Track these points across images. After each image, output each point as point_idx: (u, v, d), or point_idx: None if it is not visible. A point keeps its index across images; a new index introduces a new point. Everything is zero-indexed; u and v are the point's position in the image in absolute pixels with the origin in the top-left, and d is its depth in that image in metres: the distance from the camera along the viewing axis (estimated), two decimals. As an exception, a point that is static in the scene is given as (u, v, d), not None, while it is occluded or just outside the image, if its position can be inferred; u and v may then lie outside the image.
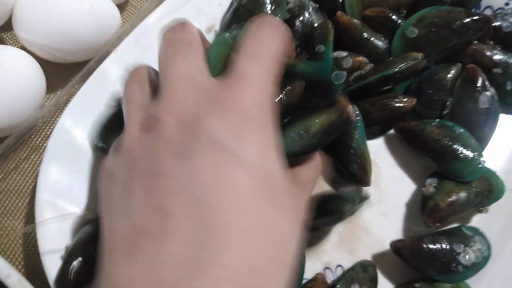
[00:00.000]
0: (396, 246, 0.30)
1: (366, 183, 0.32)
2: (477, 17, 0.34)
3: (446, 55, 0.36)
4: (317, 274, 0.32)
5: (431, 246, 0.29)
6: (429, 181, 0.33)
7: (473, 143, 0.32)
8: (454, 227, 0.32)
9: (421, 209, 0.32)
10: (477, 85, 0.33)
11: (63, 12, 0.37)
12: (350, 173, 0.32)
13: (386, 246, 0.31)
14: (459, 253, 0.29)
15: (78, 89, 0.37)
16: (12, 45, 0.42)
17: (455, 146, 0.32)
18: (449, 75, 0.35)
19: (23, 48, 0.39)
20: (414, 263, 0.30)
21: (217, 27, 0.40)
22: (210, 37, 0.39)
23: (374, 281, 0.31)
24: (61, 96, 0.39)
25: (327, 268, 0.32)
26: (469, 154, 0.31)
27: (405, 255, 0.30)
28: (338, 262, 0.32)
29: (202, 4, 0.40)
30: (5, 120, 0.36)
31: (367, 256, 0.32)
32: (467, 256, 0.29)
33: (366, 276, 0.30)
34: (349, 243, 0.33)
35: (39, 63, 0.38)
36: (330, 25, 0.37)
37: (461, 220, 0.33)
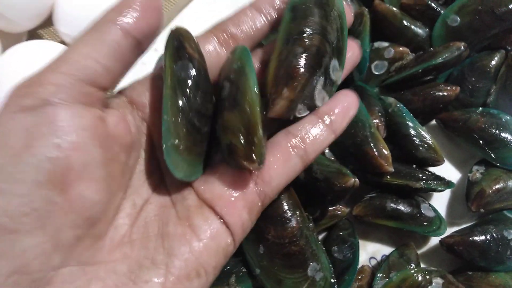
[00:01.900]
0: (447, 244, 0.30)
1: (440, 161, 0.32)
2: (523, 2, 0.33)
3: (488, 43, 0.35)
4: (363, 265, 0.31)
5: (482, 237, 0.29)
6: (476, 167, 0.32)
7: (522, 131, 0.32)
8: (496, 213, 0.32)
9: (466, 194, 0.32)
10: (524, 72, 0.33)
11: (102, 7, 0.37)
12: (421, 158, 0.32)
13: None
14: (511, 240, 0.29)
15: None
16: (52, 40, 0.42)
17: (503, 134, 0.31)
18: (493, 62, 0.34)
19: (63, 42, 0.39)
20: (470, 258, 0.29)
21: (252, 19, 0.40)
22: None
23: (414, 262, 0.30)
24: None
25: (372, 258, 0.32)
26: (519, 141, 0.31)
27: (458, 251, 0.29)
28: (382, 252, 0.32)
29: (237, -4, 0.40)
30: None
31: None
32: (519, 241, 0.29)
33: (404, 260, 0.30)
34: (392, 232, 0.33)
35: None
36: (365, 11, 0.36)
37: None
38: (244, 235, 0.22)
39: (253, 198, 0.22)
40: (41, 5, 0.38)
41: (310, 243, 0.28)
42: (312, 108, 0.23)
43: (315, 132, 0.23)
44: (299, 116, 0.23)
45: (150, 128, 0.22)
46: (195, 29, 0.38)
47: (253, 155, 0.20)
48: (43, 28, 0.44)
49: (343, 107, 0.24)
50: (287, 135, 0.23)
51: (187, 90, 0.21)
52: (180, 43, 0.22)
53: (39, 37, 0.44)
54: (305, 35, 0.23)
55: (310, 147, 0.23)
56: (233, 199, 0.21)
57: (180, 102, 0.21)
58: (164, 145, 0.20)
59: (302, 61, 0.22)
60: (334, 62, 0.24)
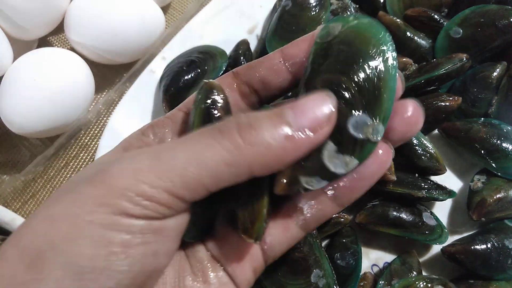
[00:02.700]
0: (449, 252, 0.30)
1: (442, 170, 0.33)
2: (524, 15, 0.34)
3: (490, 54, 0.36)
4: (365, 272, 0.32)
5: (483, 246, 0.30)
6: (477, 177, 0.33)
7: (523, 141, 0.32)
8: (497, 222, 0.32)
9: (467, 203, 0.32)
10: (525, 83, 0.33)
11: (113, 16, 0.38)
12: (423, 167, 0.33)
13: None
14: (511, 249, 0.29)
15: (126, 89, 0.39)
16: (61, 48, 0.43)
17: (504, 144, 0.32)
18: (494, 74, 0.35)
19: (72, 50, 0.40)
20: (471, 266, 0.30)
21: (258, 28, 0.41)
22: (252, 38, 0.40)
23: (416, 270, 0.31)
24: (109, 96, 0.40)
25: (374, 265, 0.33)
26: (520, 151, 0.31)
27: (460, 260, 0.30)
28: (385, 259, 0.33)
29: (244, 6, 0.41)
30: (58, 120, 0.37)
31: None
32: (520, 251, 0.29)
33: (406, 268, 0.31)
34: (394, 239, 0.33)
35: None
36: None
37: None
38: None
39: (258, 260, 0.22)
40: (52, 13, 0.39)
41: (313, 250, 0.29)
42: (332, 176, 0.20)
43: (316, 206, 0.22)
44: (312, 188, 0.20)
45: None
46: (202, 39, 0.39)
47: (252, 231, 0.20)
48: (53, 35, 0.45)
49: (356, 180, 0.21)
50: (288, 204, 0.22)
51: None
52: (214, 103, 0.21)
53: (49, 44, 0.45)
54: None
55: (310, 219, 0.22)
56: (241, 261, 0.21)
57: None
58: None
59: None
60: (359, 117, 0.20)
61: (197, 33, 0.40)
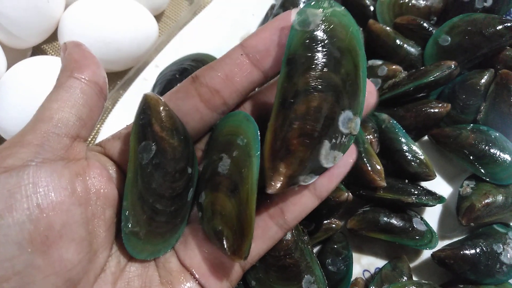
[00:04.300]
0: (439, 257, 0.30)
1: (432, 176, 0.33)
2: (510, 24, 0.34)
3: (478, 62, 0.37)
4: (357, 278, 0.32)
5: (472, 251, 0.30)
6: (466, 182, 0.33)
7: (510, 146, 0.33)
8: (486, 226, 0.33)
9: (457, 208, 0.33)
10: (512, 90, 0.34)
11: (106, 24, 0.38)
12: (413, 173, 0.33)
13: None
14: (500, 253, 0.30)
15: (119, 96, 0.39)
16: (55, 56, 0.44)
17: (492, 150, 0.32)
18: (482, 81, 0.36)
19: (66, 58, 0.41)
20: (461, 271, 0.30)
21: (250, 36, 0.42)
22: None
23: (406, 275, 0.31)
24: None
25: (365, 270, 0.33)
26: (507, 157, 0.32)
27: (449, 265, 0.30)
28: (376, 265, 0.33)
29: (236, 14, 0.42)
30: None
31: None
32: (508, 254, 0.29)
33: (396, 273, 0.31)
34: (385, 245, 0.34)
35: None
36: (360, 31, 0.38)
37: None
38: None
39: (233, 268, 0.21)
40: (46, 21, 0.40)
41: (304, 255, 0.29)
42: (322, 171, 0.21)
43: (295, 200, 0.21)
44: (305, 184, 0.21)
45: None
46: (195, 47, 0.40)
47: (241, 251, 0.19)
48: (47, 43, 0.45)
49: (331, 169, 0.21)
50: (267, 204, 0.21)
51: (148, 175, 0.20)
52: (147, 119, 0.20)
53: (43, 52, 0.45)
54: (301, 97, 0.20)
55: (290, 216, 0.22)
56: (213, 269, 0.21)
57: (140, 188, 0.20)
58: (123, 232, 0.20)
59: (298, 131, 0.20)
60: (346, 114, 0.20)
61: (190, 41, 0.41)
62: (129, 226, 0.20)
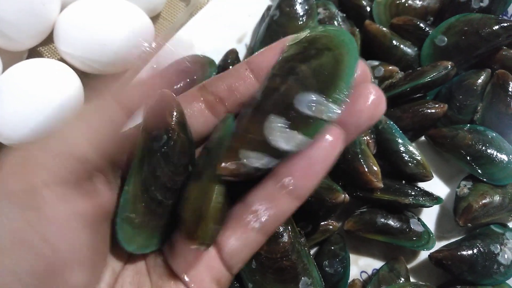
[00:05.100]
0: (436, 258, 0.30)
1: (429, 176, 0.33)
2: (506, 24, 0.34)
3: (475, 62, 0.37)
4: (354, 279, 0.32)
5: (470, 252, 0.30)
6: (463, 182, 0.33)
7: (507, 147, 0.33)
8: (483, 227, 0.33)
9: (454, 209, 0.33)
10: (509, 90, 0.34)
11: (102, 26, 0.38)
12: (410, 174, 0.33)
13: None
14: (497, 254, 0.30)
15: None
16: (51, 58, 0.44)
17: (489, 151, 0.32)
18: (479, 81, 0.36)
19: (62, 60, 0.41)
20: (458, 272, 0.30)
21: (247, 38, 0.42)
22: (241, 47, 0.41)
23: (404, 276, 0.31)
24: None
25: (363, 272, 0.33)
26: (504, 157, 0.32)
27: (447, 266, 0.30)
28: (373, 266, 0.33)
29: (233, 16, 0.42)
30: (47, 130, 0.37)
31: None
32: (505, 255, 0.29)
33: (394, 274, 0.31)
34: (383, 246, 0.33)
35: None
36: (356, 31, 0.38)
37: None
38: None
39: (220, 270, 0.21)
40: (42, 24, 0.40)
41: (301, 257, 0.29)
42: (280, 154, 0.19)
43: (271, 203, 0.20)
44: (263, 167, 0.19)
45: None
46: (192, 48, 0.40)
47: (196, 234, 0.19)
48: (43, 45, 0.45)
49: (306, 165, 0.20)
50: (242, 207, 0.21)
51: (155, 163, 0.20)
52: (161, 110, 0.20)
53: (39, 54, 0.45)
54: (264, 83, 0.21)
55: (268, 220, 0.20)
56: (199, 272, 0.21)
57: (145, 174, 0.20)
58: (118, 217, 0.20)
59: (251, 112, 0.20)
60: (312, 96, 0.20)
61: (186, 43, 0.40)
62: (126, 211, 0.20)
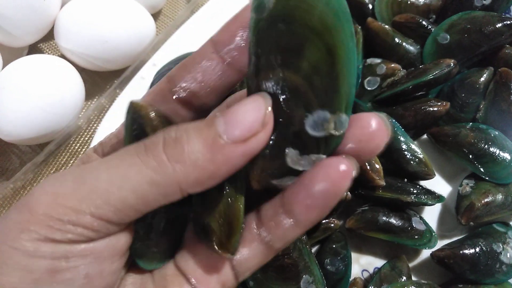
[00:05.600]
0: (438, 257, 0.30)
1: (431, 175, 0.33)
2: (509, 22, 0.34)
3: (477, 60, 0.36)
4: (355, 277, 0.32)
5: (472, 251, 0.30)
6: (466, 181, 0.33)
7: (509, 145, 0.32)
8: (486, 226, 0.32)
9: (456, 207, 0.33)
10: (512, 88, 0.34)
11: (103, 23, 0.38)
12: (412, 172, 0.33)
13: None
14: (499, 253, 0.29)
15: (116, 95, 0.39)
16: (51, 54, 0.43)
17: (492, 149, 0.32)
18: (482, 79, 0.35)
19: (62, 56, 0.40)
20: (460, 271, 0.30)
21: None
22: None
23: (405, 275, 0.31)
24: (100, 102, 0.40)
25: (364, 270, 0.33)
26: (507, 156, 0.32)
27: (449, 264, 0.30)
28: (375, 264, 0.33)
29: (234, 12, 0.41)
30: (48, 126, 0.37)
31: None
32: (508, 254, 0.29)
33: (395, 273, 0.31)
34: (384, 245, 0.33)
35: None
36: (358, 29, 0.38)
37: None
38: None
39: (227, 276, 0.21)
40: (42, 20, 0.39)
41: (303, 255, 0.29)
42: (300, 172, 0.18)
43: (278, 225, 0.19)
44: (287, 184, 0.19)
45: None
46: (193, 46, 0.40)
47: (229, 244, 0.19)
48: (43, 42, 0.45)
49: (307, 199, 0.18)
50: (254, 218, 0.20)
51: None
52: (141, 129, 0.18)
53: (40, 50, 0.45)
54: None
55: (275, 238, 0.20)
56: (209, 276, 0.20)
57: None
58: (133, 246, 0.19)
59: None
60: (317, 114, 0.17)
61: (188, 40, 0.40)
62: (140, 239, 0.20)
